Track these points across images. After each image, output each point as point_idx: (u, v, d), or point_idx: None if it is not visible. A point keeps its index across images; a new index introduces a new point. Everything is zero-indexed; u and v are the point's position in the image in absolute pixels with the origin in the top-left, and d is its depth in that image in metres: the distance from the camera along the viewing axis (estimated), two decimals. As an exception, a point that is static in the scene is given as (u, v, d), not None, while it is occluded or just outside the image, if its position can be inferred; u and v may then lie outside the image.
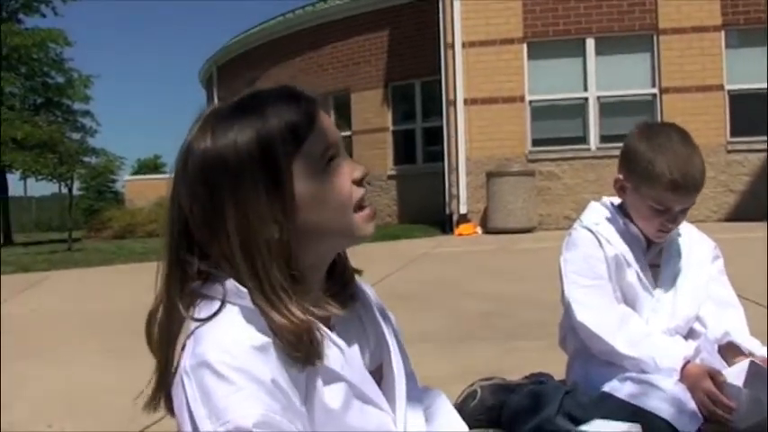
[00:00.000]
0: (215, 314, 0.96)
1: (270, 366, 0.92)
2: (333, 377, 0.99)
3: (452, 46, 11.60)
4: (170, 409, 0.98)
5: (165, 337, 0.99)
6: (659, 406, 1.73)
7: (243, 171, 0.96)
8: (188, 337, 0.97)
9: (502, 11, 11.51)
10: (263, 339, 0.93)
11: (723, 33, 11.22)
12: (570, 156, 11.53)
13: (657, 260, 1.99)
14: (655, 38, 11.30)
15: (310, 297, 0.99)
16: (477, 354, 3.27)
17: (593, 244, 1.94)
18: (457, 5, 11.53)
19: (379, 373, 1.11)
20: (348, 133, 14.44)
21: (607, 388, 1.85)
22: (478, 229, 11.43)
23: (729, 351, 1.87)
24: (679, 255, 2.00)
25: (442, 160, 12.01)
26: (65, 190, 15.52)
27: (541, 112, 11.71)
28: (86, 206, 27.21)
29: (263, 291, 0.95)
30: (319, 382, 0.98)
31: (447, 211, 11.84)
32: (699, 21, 11.17)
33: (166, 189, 1.02)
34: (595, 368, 1.93)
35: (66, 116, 19.61)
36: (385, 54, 14.48)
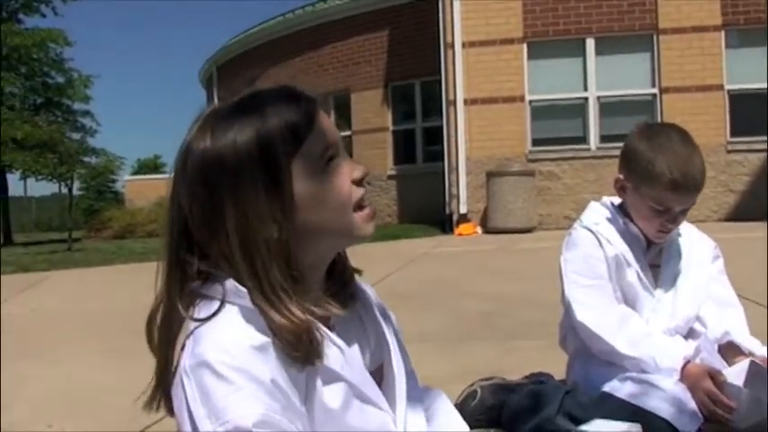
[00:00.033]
0: (214, 314, 0.96)
1: (269, 366, 0.92)
2: (332, 377, 0.99)
3: (452, 46, 11.60)
4: (170, 409, 0.98)
5: (164, 336, 0.99)
6: (659, 406, 1.73)
7: (242, 171, 0.96)
8: (187, 336, 0.97)
9: (502, 11, 11.51)
10: (263, 339, 0.93)
11: (723, 33, 11.22)
12: (570, 156, 11.53)
13: (657, 260, 1.99)
14: (655, 38, 11.30)
15: (310, 297, 0.98)
16: (477, 353, 3.27)
17: (593, 244, 1.94)
18: (457, 5, 11.53)
19: (380, 373, 1.11)
20: (348, 133, 14.44)
21: (607, 388, 1.85)
22: (478, 229, 11.43)
23: (729, 351, 1.87)
24: (679, 255, 2.00)
25: (442, 160, 12.01)
26: (65, 190, 15.53)
27: (541, 112, 11.71)
28: (86, 206, 27.22)
29: (262, 290, 0.95)
30: (319, 382, 0.98)
31: (447, 211, 11.84)
32: (699, 21, 11.17)
33: (166, 189, 1.02)
34: (595, 368, 1.93)
35: (67, 116, 19.61)
36: (385, 54, 14.48)
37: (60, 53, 19.20)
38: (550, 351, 2.41)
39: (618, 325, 1.87)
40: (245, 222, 0.95)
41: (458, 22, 11.55)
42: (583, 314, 1.90)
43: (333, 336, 1.02)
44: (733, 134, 11.20)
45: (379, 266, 6.25)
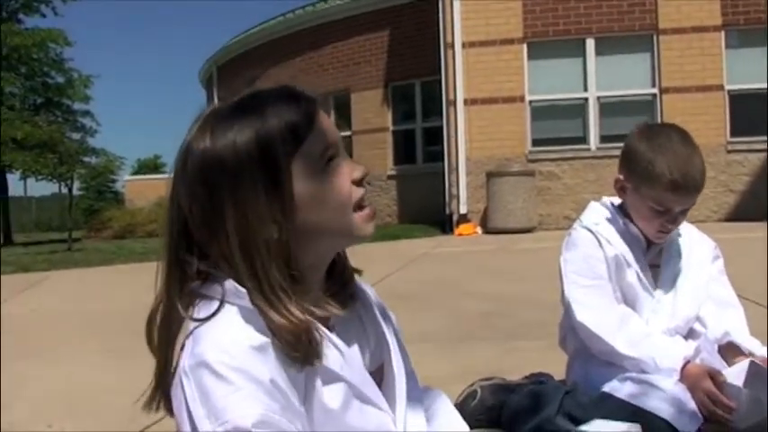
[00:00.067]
0: (214, 314, 0.96)
1: (268, 366, 0.92)
2: (332, 377, 0.99)
3: (452, 46, 11.60)
4: (169, 410, 0.98)
5: (164, 336, 0.99)
6: (659, 406, 1.73)
7: (242, 171, 0.96)
8: (187, 336, 0.97)
9: (502, 11, 11.51)
10: (262, 339, 0.93)
11: (723, 33, 11.22)
12: (570, 156, 11.53)
13: (657, 260, 1.99)
14: (655, 38, 11.31)
15: (309, 297, 0.98)
16: (477, 354, 3.27)
17: (592, 244, 1.94)
18: (457, 5, 11.53)
19: (380, 374, 1.11)
20: (348, 133, 14.44)
21: (607, 388, 1.85)
22: (478, 229, 11.43)
23: (729, 351, 1.87)
24: (679, 255, 2.00)
25: (442, 160, 12.01)
26: (65, 190, 15.53)
27: (541, 112, 11.71)
28: (86, 206, 27.22)
29: (261, 291, 0.95)
30: (318, 383, 0.98)
31: (447, 211, 11.84)
32: (699, 21, 11.17)
33: (166, 189, 1.02)
34: (595, 368, 1.93)
35: (66, 116, 19.61)
36: (385, 54, 14.48)
37: (60, 53, 19.21)
38: (550, 351, 2.41)
39: (618, 325, 1.87)
40: (244, 223, 0.95)
41: (458, 22, 11.55)
42: (583, 314, 1.90)
43: (332, 336, 1.02)
44: (733, 134, 11.20)
45: (379, 266, 6.25)
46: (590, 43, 11.49)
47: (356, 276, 1.13)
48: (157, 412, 1.02)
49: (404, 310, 3.41)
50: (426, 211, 12.84)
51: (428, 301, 4.93)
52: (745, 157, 11.15)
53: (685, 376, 1.76)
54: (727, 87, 11.23)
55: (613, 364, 1.87)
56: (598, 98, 11.50)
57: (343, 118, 14.61)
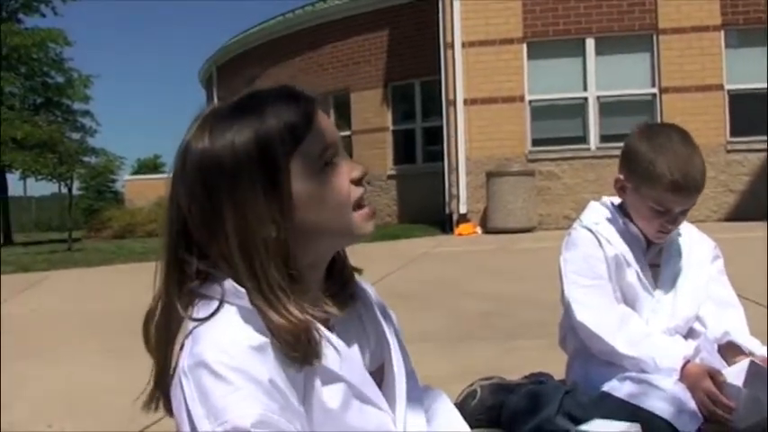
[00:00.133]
0: (213, 314, 0.96)
1: (267, 366, 0.92)
2: (331, 377, 0.99)
3: (452, 46, 11.60)
4: (169, 410, 0.98)
5: (163, 336, 0.99)
6: (659, 406, 1.73)
7: (241, 171, 0.96)
8: (186, 336, 0.97)
9: (501, 11, 11.51)
10: (261, 339, 0.93)
11: (723, 33, 11.22)
12: (570, 155, 11.53)
13: (657, 260, 1.99)
14: (654, 38, 11.31)
15: (309, 297, 0.98)
16: (476, 353, 3.27)
17: (592, 244, 1.94)
18: (457, 5, 11.53)
19: (380, 373, 1.11)
20: (348, 133, 14.44)
21: (607, 388, 1.85)
22: (478, 229, 11.43)
23: (729, 351, 1.87)
24: (679, 255, 2.00)
25: (442, 160, 12.01)
26: (64, 190, 15.52)
27: (541, 112, 11.71)
28: (86, 206, 27.21)
29: (260, 290, 0.95)
30: (318, 383, 0.98)
31: (447, 211, 11.84)
32: (698, 21, 11.17)
33: (166, 189, 1.02)
34: (595, 368, 1.93)
35: (66, 116, 19.60)
36: (385, 54, 14.48)
37: (60, 53, 19.21)
38: (550, 351, 2.41)
39: (617, 325, 1.87)
40: (243, 222, 0.95)
41: (458, 22, 11.55)
42: (582, 314, 1.90)
43: (332, 336, 1.01)
44: (733, 134, 11.20)
45: (379, 266, 6.25)
46: (590, 43, 11.49)
47: (356, 276, 1.13)
48: (156, 412, 1.02)
49: (404, 310, 3.40)
50: (426, 210, 12.84)
51: (428, 301, 4.93)
52: (745, 156, 11.15)
53: (685, 376, 1.77)
54: (727, 87, 11.23)
55: (613, 363, 1.88)
56: (598, 98, 11.50)
57: (343, 118, 14.61)
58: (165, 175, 1.02)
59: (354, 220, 1.02)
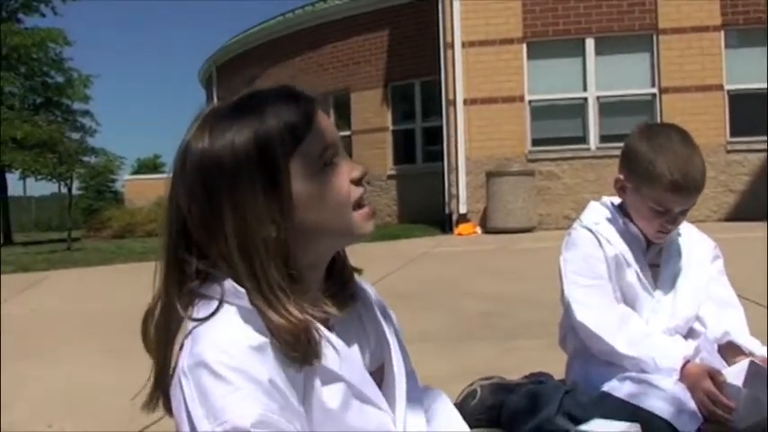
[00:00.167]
0: (213, 314, 0.95)
1: (267, 366, 0.92)
2: (331, 377, 0.99)
3: (452, 46, 11.60)
4: (168, 409, 0.98)
5: (162, 336, 0.99)
6: (659, 406, 1.73)
7: (240, 172, 0.96)
8: (186, 336, 0.97)
9: (501, 11, 11.51)
10: (261, 339, 0.93)
11: (723, 33, 11.22)
12: (570, 155, 11.53)
13: (657, 260, 1.99)
14: (654, 38, 11.31)
15: (308, 297, 0.98)
16: (476, 353, 3.27)
17: (592, 244, 1.94)
18: (456, 5, 11.53)
19: (380, 373, 1.11)
20: (348, 133, 14.44)
21: (607, 387, 1.85)
22: (478, 229, 11.43)
23: (729, 351, 1.87)
24: (679, 255, 2.00)
25: (442, 160, 12.01)
26: (64, 190, 15.52)
27: (541, 112, 11.71)
28: (86, 206, 27.22)
29: (260, 291, 0.95)
30: (317, 382, 0.98)
31: (447, 211, 11.84)
32: (698, 21, 11.17)
33: (165, 189, 1.02)
34: (595, 368, 1.93)
35: (66, 116, 19.60)
36: (385, 54, 14.48)
37: (60, 53, 19.20)
38: (550, 351, 2.41)
39: (617, 325, 1.87)
40: (243, 222, 0.95)
41: (458, 22, 11.55)
42: (582, 314, 1.90)
43: (332, 336, 1.01)
44: (733, 134, 11.20)
45: (379, 266, 6.25)
46: (590, 43, 11.49)
47: (356, 275, 1.13)
48: (156, 412, 1.02)
49: (403, 310, 3.40)
50: (426, 210, 12.84)
51: (428, 301, 4.93)
52: (745, 156, 11.16)
53: (685, 376, 1.77)
54: (727, 87, 11.23)
55: (613, 363, 1.87)
56: (598, 98, 11.50)
57: (343, 118, 14.62)
58: (164, 175, 1.02)
59: (354, 219, 1.02)
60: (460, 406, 1.97)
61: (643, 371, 1.82)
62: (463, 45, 11.57)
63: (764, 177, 10.82)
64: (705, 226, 2.29)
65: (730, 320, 1.94)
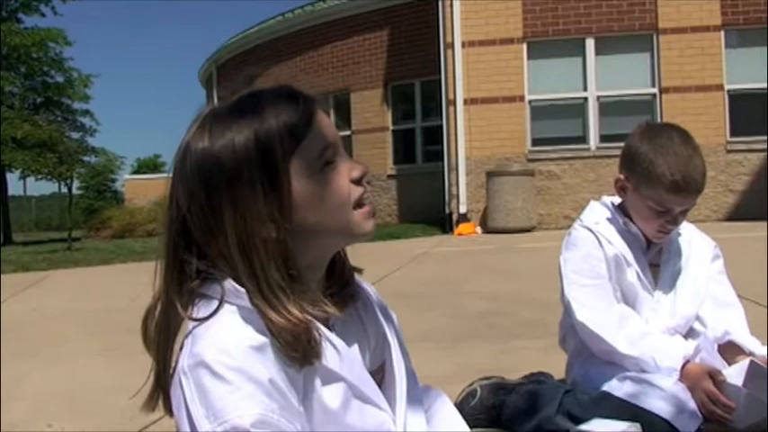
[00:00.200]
0: (213, 314, 0.96)
1: (267, 366, 0.92)
2: (331, 377, 0.99)
3: (452, 46, 11.60)
4: (169, 409, 0.98)
5: (163, 336, 0.99)
6: (659, 405, 1.73)
7: (240, 171, 0.96)
8: (186, 336, 0.97)
9: (502, 11, 11.51)
10: (261, 339, 0.93)
11: (723, 33, 11.22)
12: (570, 155, 11.53)
13: (657, 260, 1.99)
14: (654, 38, 11.30)
15: (309, 296, 0.98)
16: (476, 353, 3.27)
17: (593, 243, 1.94)
18: (457, 5, 11.53)
19: (381, 373, 1.11)
20: (348, 133, 14.44)
21: (607, 387, 1.85)
22: (478, 229, 11.42)
23: (729, 350, 1.86)
24: (679, 254, 2.00)
25: (442, 160, 12.01)
26: (64, 189, 15.53)
27: (541, 112, 11.71)
28: (86, 205, 27.24)
29: (260, 290, 0.95)
30: (318, 382, 0.98)
31: (447, 211, 11.84)
32: (698, 21, 11.17)
33: (165, 188, 1.02)
34: (595, 367, 1.93)
35: (66, 115, 19.64)
36: (385, 54, 14.48)
37: (60, 52, 19.25)
38: (550, 350, 2.41)
39: (618, 324, 1.87)
40: (242, 222, 0.95)
41: (458, 21, 11.54)
42: (582, 314, 1.90)
43: (332, 335, 1.01)
44: (733, 134, 11.20)
45: (379, 266, 6.25)
46: (590, 43, 11.48)
47: (357, 275, 1.13)
48: (156, 412, 1.02)
49: (403, 310, 3.40)
50: (426, 210, 12.84)
51: (428, 301, 4.92)
52: (745, 156, 11.15)
53: (685, 375, 1.77)
54: (727, 87, 11.23)
55: (613, 363, 1.87)
56: (598, 98, 11.50)
57: (343, 118, 14.62)
58: (164, 175, 1.02)
59: (354, 219, 1.02)
60: (460, 406, 1.97)
61: (643, 370, 1.82)
62: (463, 45, 11.57)
63: (764, 177, 10.82)
64: (705, 226, 2.29)
65: (730, 320, 1.94)
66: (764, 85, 10.79)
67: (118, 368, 3.21)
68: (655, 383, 1.77)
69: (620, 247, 1.93)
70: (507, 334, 3.65)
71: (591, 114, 11.51)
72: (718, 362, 1.81)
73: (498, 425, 1.96)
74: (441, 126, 12.01)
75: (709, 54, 11.16)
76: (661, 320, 1.93)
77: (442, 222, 11.84)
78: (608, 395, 1.82)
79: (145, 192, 20.39)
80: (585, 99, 11.55)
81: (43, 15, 19.73)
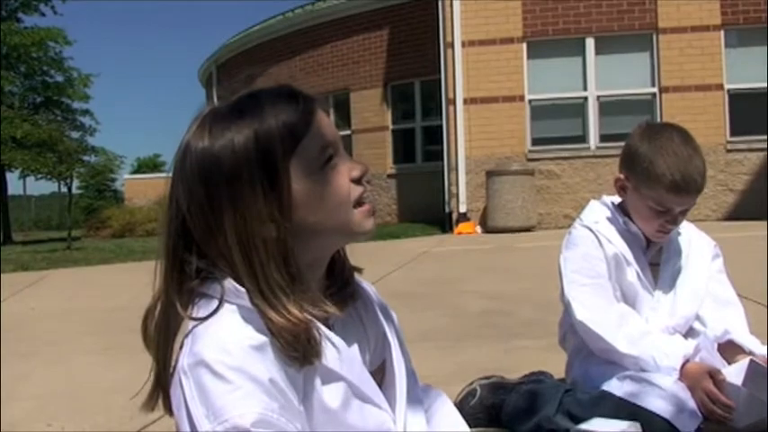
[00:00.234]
0: (213, 313, 0.96)
1: (267, 366, 0.92)
2: (331, 377, 0.99)
3: (452, 45, 11.60)
4: (169, 408, 0.98)
5: (162, 335, 0.99)
6: (658, 404, 1.73)
7: (240, 171, 0.96)
8: (186, 335, 0.97)
9: (501, 10, 11.51)
10: (261, 339, 0.93)
11: (723, 33, 11.22)
12: (570, 155, 11.53)
13: (657, 259, 1.99)
14: (654, 37, 11.30)
15: (308, 296, 0.98)
16: (476, 352, 3.27)
17: (592, 243, 1.94)
18: (456, 5, 11.53)
19: (381, 373, 1.11)
20: (348, 132, 14.45)
21: (606, 386, 1.85)
22: (478, 228, 11.43)
23: (729, 350, 1.87)
24: (679, 253, 2.00)
25: (442, 159, 12.01)
26: (64, 189, 15.53)
27: (541, 112, 11.71)
28: (86, 205, 27.26)
29: (260, 290, 0.95)
30: (318, 382, 0.98)
31: (447, 210, 11.85)
32: (698, 20, 11.17)
33: (165, 188, 1.02)
34: (595, 367, 1.93)
35: (66, 115, 19.65)
36: (384, 53, 14.48)
37: (60, 52, 19.26)
38: (550, 350, 2.41)
39: (617, 324, 1.88)
40: (242, 222, 0.95)
41: (457, 21, 11.55)
42: (582, 313, 1.90)
43: (332, 335, 1.01)
44: (732, 134, 11.20)
45: (379, 265, 6.25)
46: (590, 42, 11.48)
47: (357, 275, 1.13)
48: (156, 411, 1.02)
49: (403, 309, 3.40)
50: (426, 209, 12.85)
51: (428, 300, 4.92)
52: (745, 156, 11.16)
53: (685, 375, 1.77)
54: (727, 87, 11.23)
55: (613, 362, 1.88)
56: (598, 97, 11.50)
57: (343, 117, 14.62)
58: (164, 175, 1.02)
59: (354, 218, 1.02)
60: (460, 405, 1.97)
61: (643, 370, 1.82)
62: (463, 44, 11.57)
63: (764, 177, 10.83)
64: (705, 225, 2.29)
65: (730, 319, 1.94)
66: (764, 85, 10.79)
67: (118, 368, 3.22)
68: (654, 383, 1.77)
69: (619, 246, 1.93)
70: (507, 333, 3.65)
71: (591, 114, 11.51)
72: (717, 361, 1.81)
73: (498, 424, 1.96)
74: (440, 125, 12.01)
75: (708, 54, 11.17)
76: (661, 320, 1.93)
77: (442, 222, 11.84)
78: (608, 394, 1.82)
79: (144, 191, 20.40)
80: (585, 98, 11.55)
81: (43, 15, 19.76)
